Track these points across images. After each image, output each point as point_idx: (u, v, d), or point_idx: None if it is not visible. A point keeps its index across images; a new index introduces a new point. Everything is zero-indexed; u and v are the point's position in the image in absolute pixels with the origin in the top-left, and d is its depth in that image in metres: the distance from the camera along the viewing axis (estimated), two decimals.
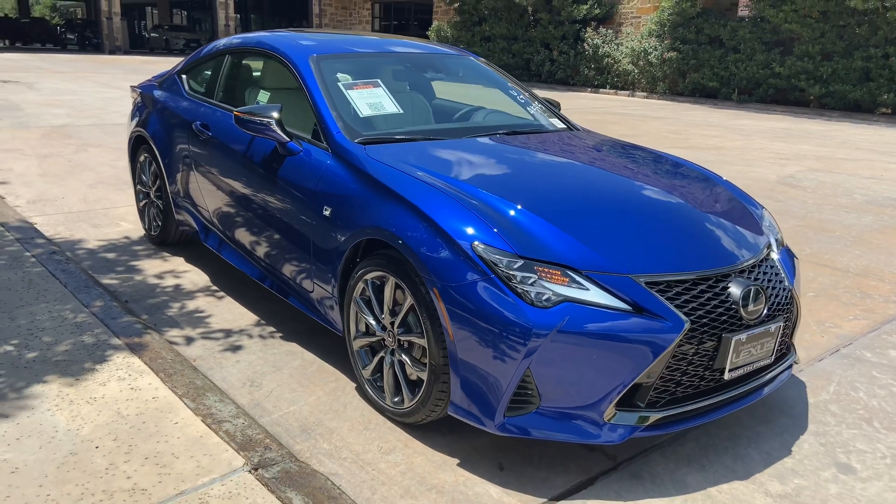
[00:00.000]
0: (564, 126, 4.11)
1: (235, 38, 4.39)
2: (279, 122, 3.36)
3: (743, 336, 2.58)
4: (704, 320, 2.52)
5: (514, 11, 24.52)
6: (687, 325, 2.45)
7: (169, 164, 4.47)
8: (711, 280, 2.61)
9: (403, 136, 3.38)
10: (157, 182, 4.67)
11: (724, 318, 2.56)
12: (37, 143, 8.45)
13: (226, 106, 4.11)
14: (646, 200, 3.00)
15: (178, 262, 4.64)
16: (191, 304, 3.97)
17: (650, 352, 2.41)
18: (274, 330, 3.69)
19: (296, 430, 2.81)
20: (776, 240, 3.15)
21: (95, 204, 5.96)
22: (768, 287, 2.75)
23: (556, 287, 2.44)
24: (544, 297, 2.41)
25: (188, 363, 3.13)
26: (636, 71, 21.83)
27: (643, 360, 2.41)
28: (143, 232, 5.19)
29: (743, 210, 3.15)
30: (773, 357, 2.79)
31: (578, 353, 2.40)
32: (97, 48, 33.48)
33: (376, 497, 2.43)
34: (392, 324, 2.79)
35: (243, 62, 4.26)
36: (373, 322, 2.90)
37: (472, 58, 4.45)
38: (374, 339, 2.91)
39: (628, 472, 2.64)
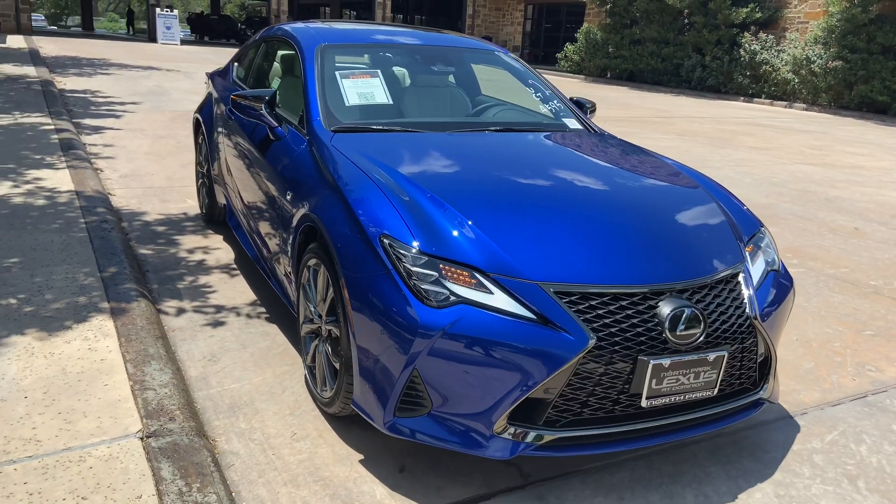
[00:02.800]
0: (580, 126, 3.88)
1: (274, 27, 4.55)
2: (269, 107, 3.43)
3: (665, 361, 2.32)
4: (617, 339, 2.29)
5: (667, 14, 23.55)
6: (591, 342, 2.24)
7: (210, 146, 4.72)
8: (638, 296, 2.37)
9: (380, 127, 3.34)
10: (207, 163, 4.95)
11: (642, 338, 2.31)
12: (160, 125, 9.22)
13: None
14: (597, 208, 2.77)
15: (216, 240, 4.88)
16: (202, 279, 4.16)
17: (546, 366, 2.23)
18: (263, 311, 3.79)
19: (224, 407, 2.87)
20: (767, 262, 2.81)
21: (177, 182, 6.40)
22: (714, 312, 2.45)
23: (459, 288, 2.31)
24: (441, 297, 2.29)
25: (157, 332, 3.28)
26: (796, 80, 20.24)
27: (538, 374, 2.23)
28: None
29: (718, 227, 2.82)
30: (717, 390, 2.48)
31: (467, 359, 2.26)
32: None
33: (260, 481, 2.43)
34: (324, 312, 2.78)
35: (271, 50, 4.41)
36: (312, 309, 2.90)
37: (499, 53, 4.32)
38: (314, 326, 2.91)
39: (533, 493, 2.46)
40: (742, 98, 21.59)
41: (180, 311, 3.71)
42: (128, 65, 17.62)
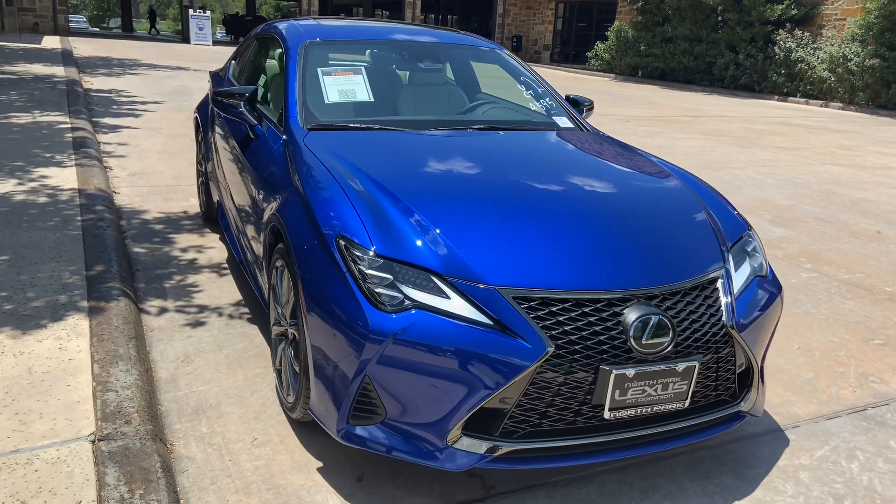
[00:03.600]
0: (571, 125, 3.75)
1: (267, 24, 4.50)
2: (249, 104, 3.38)
3: (629, 371, 2.19)
4: (577, 346, 2.18)
5: (700, 11, 23.11)
6: (549, 350, 2.13)
7: (206, 144, 4.69)
8: (602, 302, 2.25)
9: (357, 125, 3.26)
10: (204, 162, 4.93)
11: (605, 346, 2.19)
12: (178, 124, 9.27)
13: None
14: (569, 210, 2.64)
15: (211, 239, 4.85)
16: (191, 279, 4.13)
17: (501, 374, 2.12)
18: (246, 312, 3.74)
19: (189, 410, 2.82)
20: (754, 267, 2.67)
21: (183, 181, 6.41)
22: (686, 319, 2.32)
23: (414, 292, 2.22)
24: (395, 302, 2.20)
25: (132, 332, 3.24)
26: (832, 79, 19.69)
27: (492, 383, 2.13)
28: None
29: (698, 230, 2.67)
30: (689, 402, 2.35)
31: (419, 366, 2.16)
32: None
33: (212, 488, 2.37)
34: (288, 314, 2.71)
35: (262, 48, 4.36)
36: (280, 311, 2.83)
37: (496, 50, 4.20)
38: (281, 328, 2.84)
39: None
40: (777, 97, 21.08)
41: (162, 311, 3.68)
42: (157, 65, 17.85)
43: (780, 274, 4.80)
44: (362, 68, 3.55)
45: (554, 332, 2.17)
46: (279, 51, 3.87)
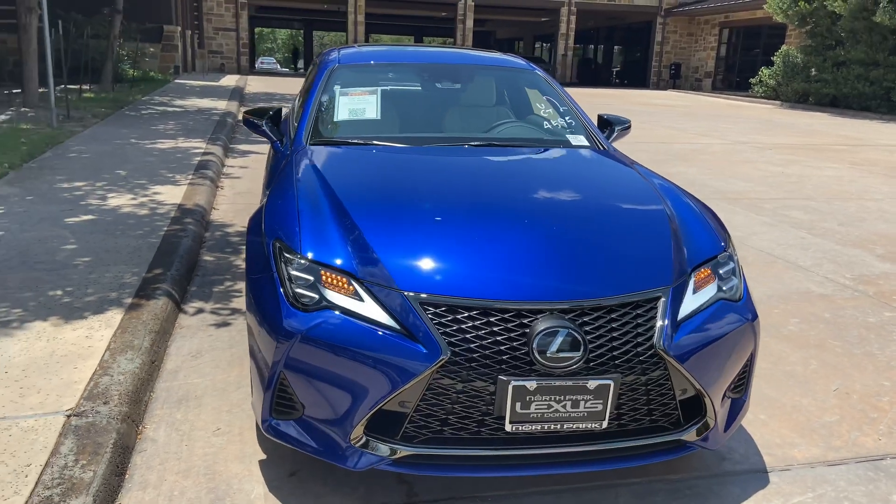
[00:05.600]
0: (585, 143, 3.66)
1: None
2: (272, 122, 3.64)
3: (530, 383, 2.13)
4: (475, 355, 2.15)
5: (877, 33, 21.23)
6: (444, 357, 2.12)
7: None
8: (511, 312, 2.20)
9: (356, 140, 3.40)
10: None
11: (504, 357, 2.15)
12: None
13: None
14: (509, 222, 2.63)
15: None
16: (239, 285, 4.45)
17: (398, 378, 2.15)
18: None
19: (174, 399, 3.06)
20: (723, 289, 2.49)
21: None
22: (604, 336, 2.21)
23: (334, 294, 2.31)
24: (311, 302, 2.30)
25: (156, 327, 3.56)
26: None
27: (389, 386, 2.16)
28: None
29: (652, 248, 2.52)
30: (607, 423, 2.22)
31: (325, 363, 2.24)
32: None
33: (158, 468, 2.56)
34: None
35: (313, 72, 4.64)
36: None
37: (531, 71, 4.20)
38: None
39: None
40: None
41: (198, 311, 4.00)
42: None
43: (860, 312, 4.34)
44: (378, 89, 3.70)
45: (454, 339, 2.16)
46: (313, 73, 4.13)
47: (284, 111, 4.66)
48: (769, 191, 8.27)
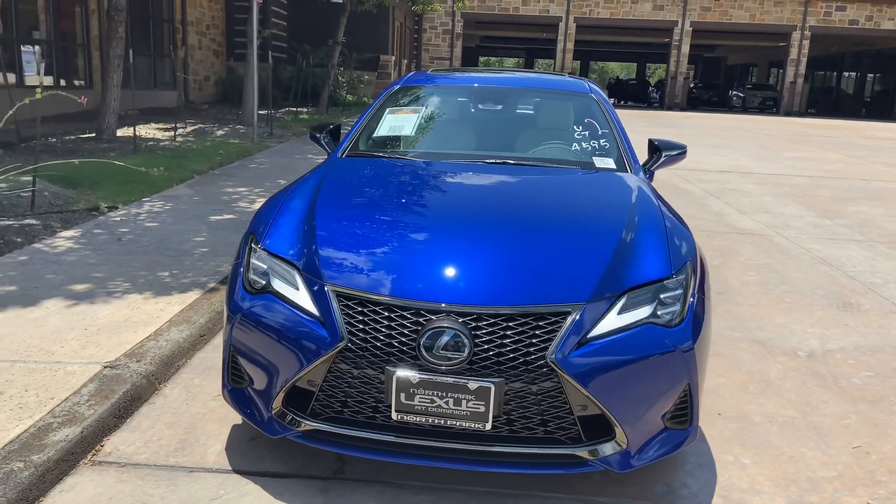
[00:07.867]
0: (611, 166, 3.62)
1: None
2: (330, 136, 4.07)
3: (413, 376, 2.27)
4: (369, 345, 2.34)
5: None
6: (341, 344, 2.35)
7: None
8: (411, 310, 2.36)
9: (383, 154, 3.70)
10: None
11: (393, 349, 2.31)
12: None
13: None
14: (459, 230, 2.83)
15: None
16: None
17: (305, 358, 2.42)
18: None
19: (203, 367, 3.54)
20: (656, 314, 2.44)
21: None
22: (493, 342, 2.29)
23: (278, 282, 2.61)
24: (257, 286, 2.64)
25: (220, 308, 4.10)
26: None
27: (297, 365, 2.43)
28: None
29: (582, 266, 2.53)
30: (490, 425, 2.28)
31: (257, 341, 2.55)
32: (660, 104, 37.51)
33: (153, 416, 3.03)
34: None
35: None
36: None
37: (589, 95, 4.20)
38: None
39: (323, 486, 2.57)
40: None
41: None
42: None
43: None
44: (421, 108, 3.97)
45: (355, 329, 2.37)
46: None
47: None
48: None
